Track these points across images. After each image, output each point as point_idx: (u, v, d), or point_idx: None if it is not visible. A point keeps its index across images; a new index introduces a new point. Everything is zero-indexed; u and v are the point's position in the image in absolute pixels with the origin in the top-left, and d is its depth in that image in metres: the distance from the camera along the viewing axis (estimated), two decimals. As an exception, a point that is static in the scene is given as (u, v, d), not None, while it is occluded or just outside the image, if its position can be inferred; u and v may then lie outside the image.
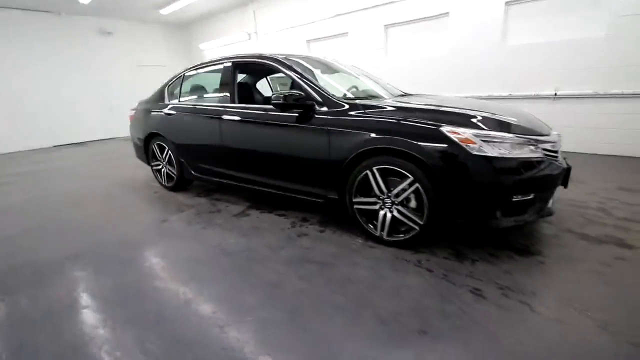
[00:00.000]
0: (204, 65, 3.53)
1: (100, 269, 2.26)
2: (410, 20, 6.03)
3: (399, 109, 2.30)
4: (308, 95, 2.53)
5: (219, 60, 3.30)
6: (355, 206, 2.41)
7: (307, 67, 2.90)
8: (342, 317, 1.67)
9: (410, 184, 2.11)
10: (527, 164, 1.97)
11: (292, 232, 2.68)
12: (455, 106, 2.29)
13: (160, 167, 3.96)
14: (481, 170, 1.92)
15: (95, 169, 5.67)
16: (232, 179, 3.22)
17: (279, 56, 2.87)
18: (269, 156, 2.83)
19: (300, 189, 2.72)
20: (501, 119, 2.13)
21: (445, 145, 1.97)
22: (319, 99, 2.51)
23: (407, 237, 2.24)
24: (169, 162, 3.80)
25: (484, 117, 2.08)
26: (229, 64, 3.15)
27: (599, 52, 4.42)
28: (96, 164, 6.07)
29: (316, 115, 2.48)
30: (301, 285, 1.95)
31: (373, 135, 2.19)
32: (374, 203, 2.32)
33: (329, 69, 3.27)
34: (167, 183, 3.94)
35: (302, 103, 2.50)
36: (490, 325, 1.56)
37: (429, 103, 2.45)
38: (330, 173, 2.45)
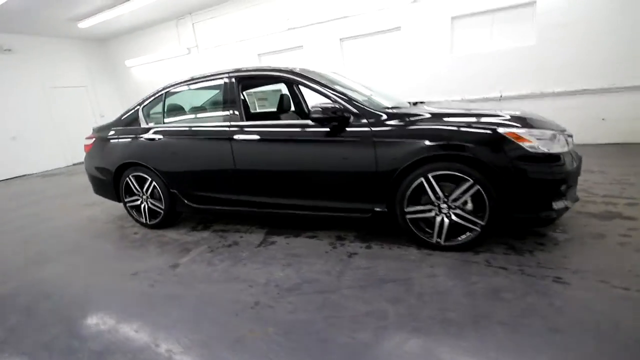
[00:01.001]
0: (193, 81, 3.12)
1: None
2: (366, 34, 6.32)
3: (439, 115, 2.35)
4: (344, 107, 2.41)
5: (216, 74, 2.95)
6: (408, 216, 2.36)
7: (329, 79, 2.77)
8: (470, 332, 1.59)
9: (470, 187, 2.16)
10: (567, 156, 2.19)
11: (339, 254, 2.50)
12: (486, 110, 2.43)
13: (138, 202, 3.35)
14: (539, 166, 2.06)
15: (37, 212, 4.54)
16: (247, 205, 2.88)
17: (296, 69, 2.70)
18: (301, 175, 2.61)
19: (340, 207, 2.57)
20: (537, 117, 2.32)
21: (505, 146, 2.07)
22: (355, 110, 2.42)
23: (467, 239, 2.28)
24: (153, 195, 3.24)
25: (527, 117, 2.24)
26: (232, 79, 2.84)
27: (532, 59, 5.24)
28: (32, 207, 4.88)
29: (354, 128, 2.38)
30: (400, 309, 1.80)
31: (428, 142, 2.18)
32: (429, 210, 2.31)
33: (332, 81, 3.19)
34: (150, 220, 3.34)
35: (340, 116, 2.38)
36: (606, 310, 1.64)
37: (457, 108, 2.56)
38: (378, 185, 2.37)
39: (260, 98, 4.48)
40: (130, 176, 3.28)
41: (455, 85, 5.79)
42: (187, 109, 3.26)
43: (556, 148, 2.12)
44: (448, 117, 2.31)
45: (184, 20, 8.06)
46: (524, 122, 2.17)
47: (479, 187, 2.13)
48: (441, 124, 2.23)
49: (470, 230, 2.25)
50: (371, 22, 6.17)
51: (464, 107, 2.62)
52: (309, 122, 2.46)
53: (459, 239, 2.30)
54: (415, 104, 3.23)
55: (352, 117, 2.41)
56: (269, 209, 2.82)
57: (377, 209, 2.45)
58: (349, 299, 1.94)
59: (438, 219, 2.30)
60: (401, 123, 2.30)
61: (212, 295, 2.13)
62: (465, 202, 2.24)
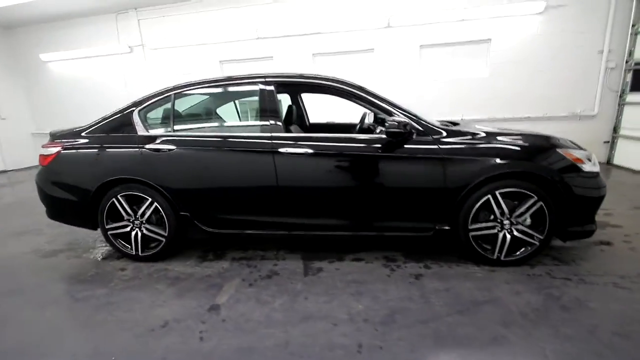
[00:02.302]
0: (215, 83, 2.64)
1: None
2: (339, 52, 6.41)
3: (493, 134, 2.44)
4: (409, 123, 2.32)
5: (249, 78, 2.56)
6: (471, 233, 2.37)
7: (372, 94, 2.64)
8: (598, 350, 1.61)
9: (534, 203, 2.27)
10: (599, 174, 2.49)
11: (402, 276, 2.35)
12: (528, 131, 2.61)
13: (128, 229, 2.64)
14: (590, 184, 2.29)
15: None
16: (283, 227, 2.52)
17: (347, 80, 2.52)
18: (360, 193, 2.40)
19: (402, 226, 2.43)
20: (563, 140, 2.59)
21: (566, 165, 2.24)
22: (418, 127, 2.36)
23: (525, 253, 2.37)
24: (149, 219, 2.60)
25: (560, 139, 2.47)
26: (270, 85, 2.50)
27: (486, 88, 6.01)
28: None
29: (418, 145, 2.31)
30: (518, 331, 1.74)
31: (499, 160, 2.24)
32: (493, 227, 2.35)
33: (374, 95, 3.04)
34: (143, 251, 2.66)
35: (410, 131, 2.29)
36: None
37: (502, 128, 2.69)
38: (445, 202, 2.32)
39: (252, 108, 4.08)
40: (118, 196, 2.57)
41: (423, 107, 6.21)
42: (204, 115, 2.73)
43: (595, 168, 2.39)
44: (502, 136, 2.42)
45: (126, 15, 6.97)
46: (573, 144, 2.41)
47: (542, 203, 2.26)
48: (509, 143, 2.31)
49: (530, 244, 2.36)
50: (345, 41, 6.30)
51: (497, 127, 2.77)
52: (378, 136, 2.30)
53: (517, 253, 2.39)
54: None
55: (414, 134, 2.34)
56: (314, 231, 2.52)
57: (439, 227, 2.40)
58: (460, 326, 1.80)
59: (500, 235, 2.36)
60: (468, 140, 2.32)
61: (295, 342, 1.74)
62: (524, 219, 2.35)
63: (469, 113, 6.10)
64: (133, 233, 2.65)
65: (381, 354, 1.63)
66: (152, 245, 2.68)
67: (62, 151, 2.66)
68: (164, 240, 2.63)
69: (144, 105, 2.66)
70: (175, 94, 2.64)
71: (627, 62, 5.31)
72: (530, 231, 2.33)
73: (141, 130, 2.60)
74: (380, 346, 1.68)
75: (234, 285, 2.32)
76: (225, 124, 2.85)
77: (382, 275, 2.37)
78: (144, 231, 2.64)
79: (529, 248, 2.37)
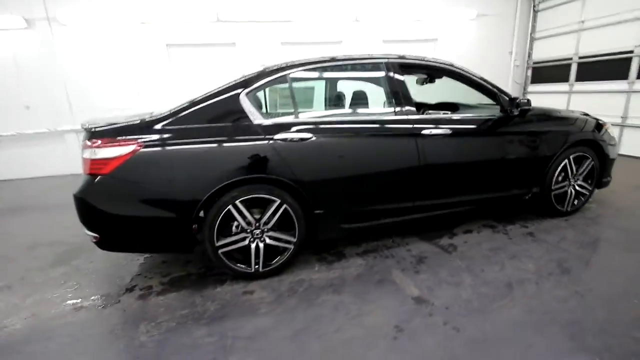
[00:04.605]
0: (332, 63, 2.35)
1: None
2: (309, 42, 6.28)
3: (553, 110, 3.00)
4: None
5: (371, 58, 2.40)
6: (554, 192, 2.89)
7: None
8: None
9: (589, 164, 2.94)
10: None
11: (522, 237, 2.69)
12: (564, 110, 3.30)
13: (245, 242, 2.13)
14: (612, 147, 3.09)
15: None
16: (417, 211, 2.51)
17: (458, 65, 2.64)
18: (487, 167, 2.62)
19: (513, 194, 2.76)
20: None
21: (604, 133, 2.98)
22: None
23: (580, 204, 3.06)
24: (278, 225, 2.18)
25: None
26: (395, 66, 2.41)
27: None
28: None
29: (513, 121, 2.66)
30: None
31: (576, 130, 2.81)
32: (568, 185, 2.94)
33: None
34: (264, 266, 2.20)
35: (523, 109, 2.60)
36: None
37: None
38: (543, 168, 2.77)
39: (283, 96, 3.70)
40: (237, 202, 2.03)
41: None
42: (329, 98, 2.37)
43: (614, 135, 3.25)
44: (559, 112, 3.00)
45: (17, -27, 5.03)
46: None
47: (593, 162, 2.96)
48: (573, 118, 2.90)
49: (584, 195, 3.04)
50: (315, 31, 6.22)
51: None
52: (510, 113, 2.56)
53: (576, 204, 3.05)
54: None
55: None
56: (437, 211, 2.59)
57: (535, 190, 2.84)
58: (592, 252, 2.26)
59: (569, 190, 2.96)
60: (532, 117, 2.78)
61: (539, 308, 1.86)
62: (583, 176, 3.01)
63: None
64: (253, 245, 2.15)
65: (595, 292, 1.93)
66: (278, 255, 2.24)
67: (142, 150, 1.91)
68: (291, 247, 2.23)
69: (253, 86, 2.15)
70: (291, 73, 2.23)
71: (527, 61, 7.09)
72: (586, 184, 3.02)
73: (256, 118, 2.11)
74: (590, 289, 1.98)
75: (399, 276, 2.20)
76: (357, 109, 2.56)
77: (506, 239, 2.66)
78: (267, 241, 2.17)
79: (582, 199, 3.06)
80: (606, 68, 5.50)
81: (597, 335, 1.62)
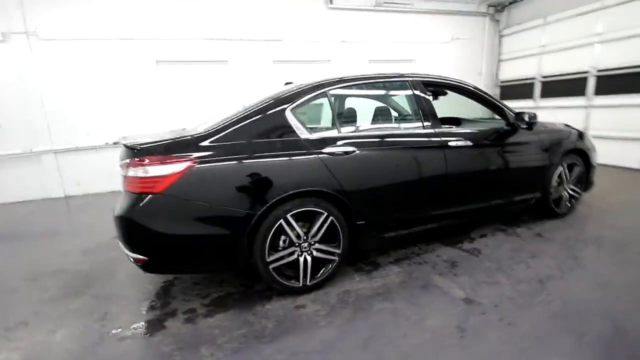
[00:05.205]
0: (365, 81, 2.50)
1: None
2: (299, 61, 6.44)
3: (545, 124, 3.37)
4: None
5: (396, 76, 2.59)
6: (551, 196, 3.21)
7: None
8: None
9: (579, 169, 3.31)
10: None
11: (532, 238, 2.94)
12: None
13: (294, 256, 2.14)
14: (595, 154, 3.52)
15: None
16: (443, 218, 2.67)
17: (470, 83, 2.90)
18: (500, 176, 2.84)
19: (520, 199, 3.02)
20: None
21: (588, 142, 3.39)
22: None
23: (574, 204, 3.41)
24: (322, 237, 2.21)
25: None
26: (419, 84, 2.60)
27: (416, 98, 7.44)
28: None
29: (528, 135, 2.97)
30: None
31: (569, 141, 3.16)
32: (563, 190, 3.28)
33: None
34: (311, 279, 2.21)
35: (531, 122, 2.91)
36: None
37: None
38: (546, 175, 3.08)
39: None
40: (288, 216, 2.05)
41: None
42: (364, 113, 2.48)
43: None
44: (554, 125, 3.37)
45: (-8, -15, 4.71)
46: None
47: (583, 168, 3.34)
48: (567, 130, 3.27)
49: (576, 197, 3.40)
50: (306, 50, 6.42)
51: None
52: (518, 126, 2.84)
53: (569, 204, 3.39)
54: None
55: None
56: (456, 219, 2.76)
57: (537, 195, 3.13)
58: (592, 245, 2.56)
59: (564, 193, 3.30)
60: (547, 129, 3.13)
61: (574, 298, 2.05)
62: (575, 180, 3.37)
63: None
64: (301, 259, 2.16)
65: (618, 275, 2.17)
66: (324, 267, 2.26)
67: (197, 166, 1.88)
68: (336, 259, 2.27)
69: (297, 102, 2.21)
70: (330, 90, 2.33)
71: (495, 81, 7.81)
72: (576, 188, 3.38)
73: (302, 133, 2.16)
74: (609, 280, 2.22)
75: (440, 280, 2.31)
76: (390, 123, 2.68)
77: (520, 241, 2.89)
78: (314, 253, 2.19)
79: (574, 202, 3.42)
80: (565, 87, 6.24)
81: (632, 318, 1.83)
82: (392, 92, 2.73)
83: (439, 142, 2.52)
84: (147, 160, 1.86)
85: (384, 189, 2.36)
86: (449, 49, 7.41)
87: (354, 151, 2.23)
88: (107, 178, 5.49)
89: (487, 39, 7.58)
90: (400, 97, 2.69)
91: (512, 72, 7.46)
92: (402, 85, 2.63)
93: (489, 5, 7.49)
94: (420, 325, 1.87)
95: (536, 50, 6.77)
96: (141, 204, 1.84)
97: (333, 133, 2.30)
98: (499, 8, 7.53)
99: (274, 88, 2.64)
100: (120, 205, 1.97)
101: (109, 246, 3.21)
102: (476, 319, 1.90)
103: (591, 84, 5.74)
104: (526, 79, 7.07)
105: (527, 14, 7.05)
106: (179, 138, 2.01)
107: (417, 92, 2.59)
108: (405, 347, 1.72)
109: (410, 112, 2.66)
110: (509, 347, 1.67)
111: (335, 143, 2.20)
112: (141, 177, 1.85)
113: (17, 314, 2.21)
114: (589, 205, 3.70)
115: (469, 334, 1.78)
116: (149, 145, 1.93)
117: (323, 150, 2.15)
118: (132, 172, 1.88)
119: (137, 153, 1.90)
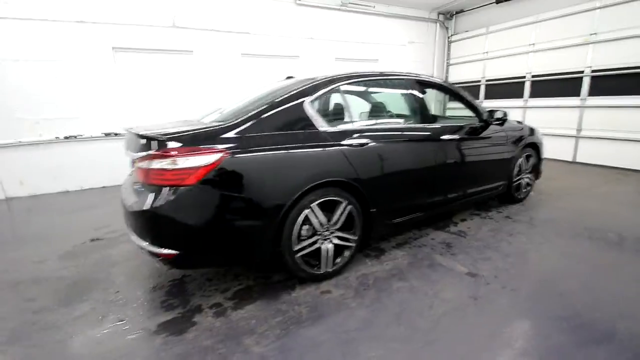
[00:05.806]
0: (372, 78, 2.65)
1: None
2: (268, 55, 6.36)
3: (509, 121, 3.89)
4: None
5: (399, 75, 2.79)
6: (514, 183, 3.72)
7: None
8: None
9: (534, 159, 3.89)
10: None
11: (506, 219, 3.38)
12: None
13: (317, 244, 2.23)
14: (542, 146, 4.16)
15: None
16: (430, 207, 2.94)
17: (450, 84, 3.21)
18: (480, 165, 3.21)
19: (491, 187, 3.44)
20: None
21: (537, 133, 3.99)
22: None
23: (528, 192, 3.99)
24: (341, 225, 2.32)
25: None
26: (416, 83, 2.84)
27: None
28: None
29: (498, 129, 3.41)
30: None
31: (527, 135, 3.69)
32: (521, 178, 3.81)
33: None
34: (329, 266, 2.31)
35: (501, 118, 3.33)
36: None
37: None
38: (511, 166, 3.55)
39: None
40: (313, 205, 2.12)
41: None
42: (371, 108, 2.60)
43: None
44: (515, 121, 3.90)
45: None
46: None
47: (535, 158, 3.92)
48: (525, 126, 3.80)
49: (529, 185, 3.98)
50: (274, 45, 6.35)
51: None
52: (491, 122, 3.22)
53: (525, 192, 3.96)
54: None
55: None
56: (447, 205, 3.09)
57: (505, 183, 3.61)
58: (551, 222, 3.08)
59: (522, 182, 3.85)
60: (510, 124, 3.62)
61: (565, 261, 2.45)
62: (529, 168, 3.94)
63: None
64: (323, 247, 2.24)
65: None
66: (341, 254, 2.36)
67: (230, 157, 1.84)
68: (353, 245, 2.39)
69: (315, 95, 2.27)
70: (341, 85, 2.43)
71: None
72: (531, 177, 3.96)
73: (321, 125, 2.23)
74: (574, 249, 2.69)
75: (442, 260, 2.58)
76: (394, 118, 2.82)
77: (494, 223, 3.32)
78: (335, 241, 2.29)
79: (529, 188, 4.00)
80: (506, 89, 7.15)
81: (592, 278, 2.27)
82: (395, 90, 2.92)
83: (435, 135, 2.80)
84: (175, 152, 1.78)
85: (392, 178, 2.54)
86: (407, 52, 7.96)
87: (368, 143, 2.37)
88: (57, 177, 4.89)
89: (438, 44, 8.30)
90: (402, 94, 2.89)
91: (459, 75, 8.28)
92: (404, 83, 2.84)
93: (439, 13, 8.20)
94: (439, 298, 2.09)
95: (480, 56, 7.62)
96: (173, 197, 1.75)
97: (348, 126, 2.42)
98: (448, 16, 8.29)
99: (277, 81, 2.65)
100: (140, 200, 1.85)
101: (89, 249, 2.92)
102: (484, 288, 2.18)
103: (527, 87, 6.68)
104: (473, 82, 7.92)
105: (472, 23, 7.88)
106: (205, 129, 1.94)
107: (415, 91, 2.83)
108: (433, 316, 1.92)
109: (411, 107, 2.88)
110: (519, 307, 1.98)
111: (352, 135, 2.32)
112: (169, 170, 1.76)
113: (4, 327, 1.93)
114: (539, 191, 4.35)
115: (482, 301, 2.05)
116: (175, 135, 1.84)
117: (342, 142, 2.25)
118: (156, 165, 1.78)
119: (161, 144, 1.80)
